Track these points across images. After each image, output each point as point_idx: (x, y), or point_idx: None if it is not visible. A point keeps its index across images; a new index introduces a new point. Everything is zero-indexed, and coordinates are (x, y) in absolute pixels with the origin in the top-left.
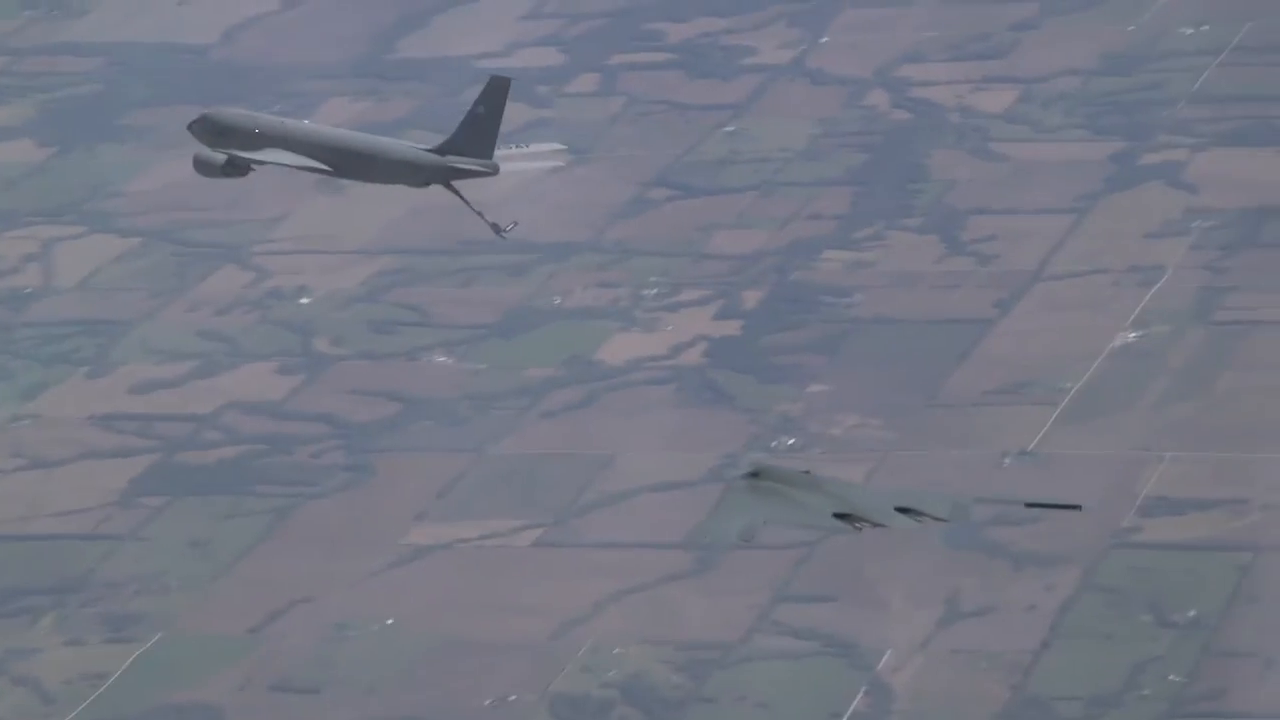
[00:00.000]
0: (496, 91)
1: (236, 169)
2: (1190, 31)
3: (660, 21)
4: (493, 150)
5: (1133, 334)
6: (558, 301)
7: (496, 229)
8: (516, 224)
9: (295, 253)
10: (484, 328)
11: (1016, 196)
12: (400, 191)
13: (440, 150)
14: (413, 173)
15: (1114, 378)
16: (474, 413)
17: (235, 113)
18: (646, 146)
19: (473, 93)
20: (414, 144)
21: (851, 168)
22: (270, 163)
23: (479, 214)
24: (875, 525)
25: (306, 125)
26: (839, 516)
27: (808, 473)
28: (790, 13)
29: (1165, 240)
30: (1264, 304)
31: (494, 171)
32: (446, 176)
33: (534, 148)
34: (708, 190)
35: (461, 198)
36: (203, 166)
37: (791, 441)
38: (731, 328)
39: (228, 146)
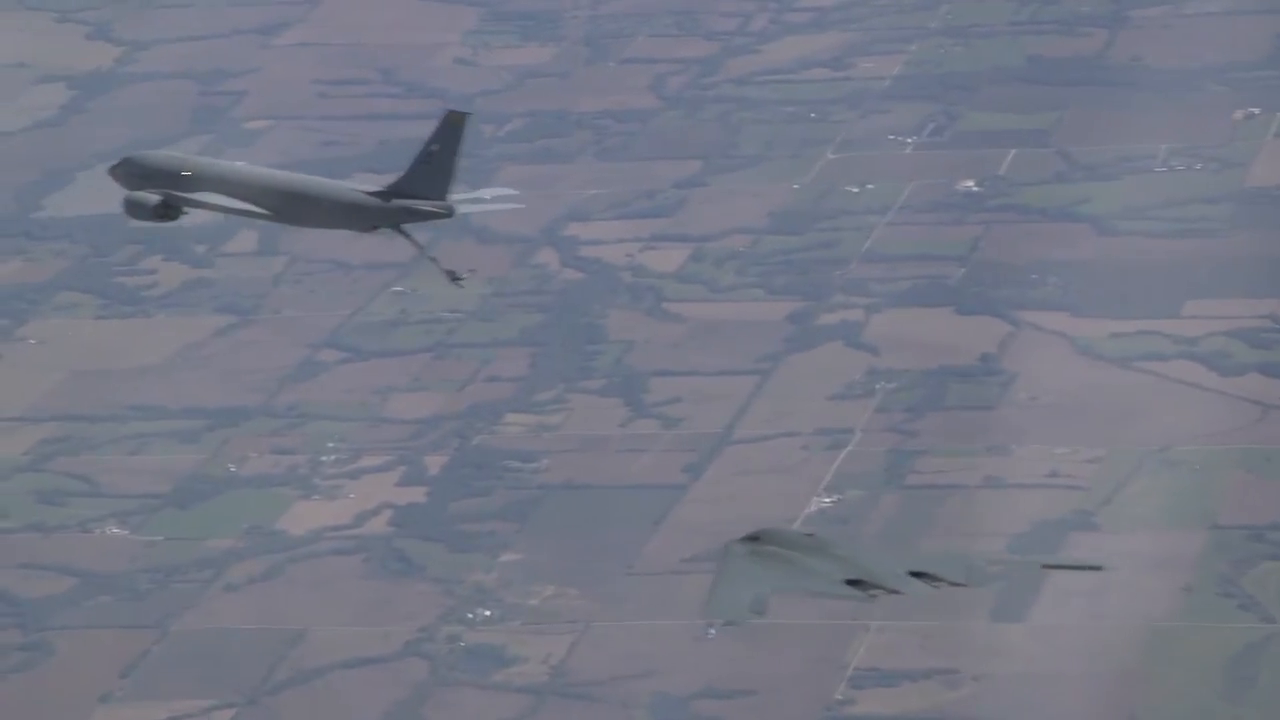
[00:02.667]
0: (452, 127)
1: (170, 212)
2: (856, 190)
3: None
4: (448, 191)
5: (827, 499)
6: (233, 469)
7: (453, 276)
8: (474, 271)
9: None
10: (158, 497)
11: (697, 358)
12: (60, 356)
13: (390, 192)
14: (359, 216)
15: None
16: (154, 586)
17: (162, 155)
18: (313, 307)
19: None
20: (360, 186)
21: (527, 328)
22: (206, 205)
23: (433, 260)
24: (890, 592)
25: (240, 166)
26: (851, 583)
27: (812, 535)
28: None
29: (850, 402)
30: (954, 467)
31: (449, 214)
32: (397, 219)
33: (483, 191)
34: (380, 352)
35: (414, 242)
36: (135, 209)
37: (488, 613)
38: (416, 494)
39: (156, 190)
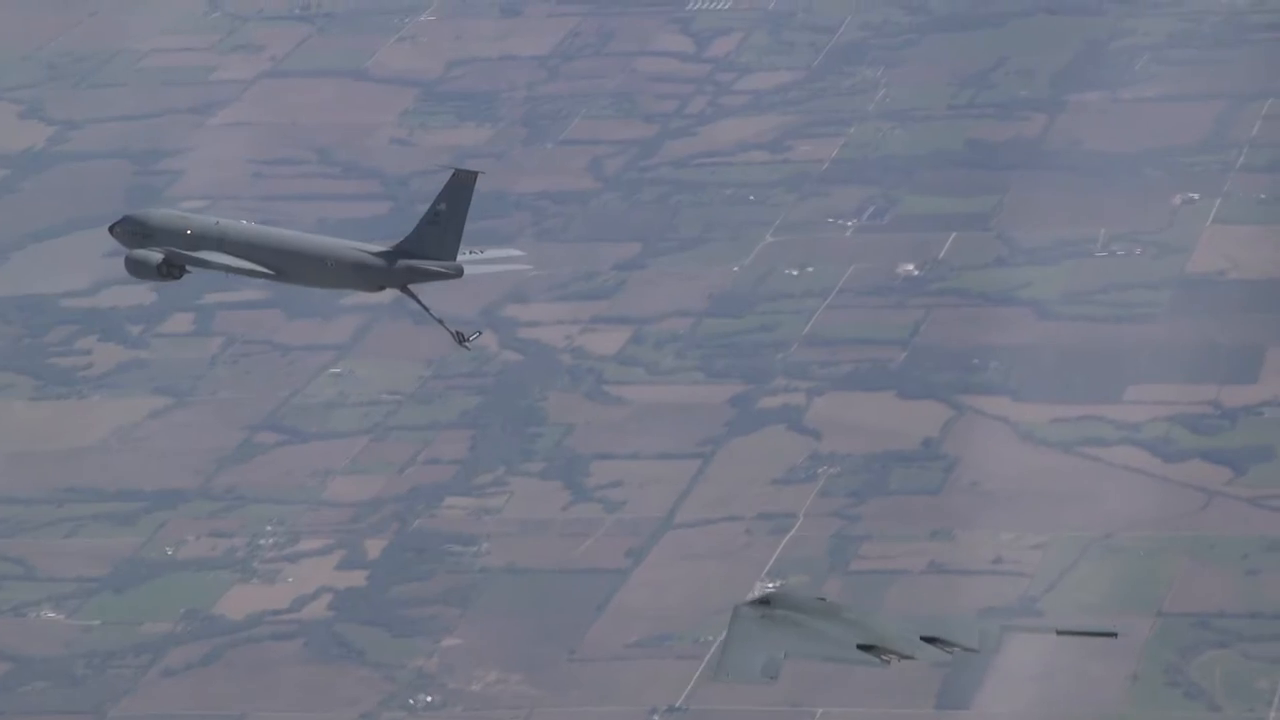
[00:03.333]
0: (460, 186)
1: (173, 271)
2: (795, 273)
3: None
4: (456, 251)
5: (770, 584)
6: (170, 552)
7: (460, 338)
8: (480, 333)
9: None
10: (94, 581)
11: (638, 441)
12: None
13: (396, 251)
14: (365, 276)
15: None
16: (90, 672)
17: (163, 213)
18: (249, 389)
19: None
20: (367, 245)
21: (466, 411)
22: (211, 263)
23: (439, 321)
24: (903, 657)
25: (244, 225)
26: (863, 648)
27: (823, 599)
28: None
29: (793, 487)
30: (898, 552)
31: (458, 274)
32: (404, 280)
33: (490, 253)
34: (318, 435)
35: (421, 304)
36: (137, 267)
37: (430, 699)
38: (356, 578)
39: (158, 248)
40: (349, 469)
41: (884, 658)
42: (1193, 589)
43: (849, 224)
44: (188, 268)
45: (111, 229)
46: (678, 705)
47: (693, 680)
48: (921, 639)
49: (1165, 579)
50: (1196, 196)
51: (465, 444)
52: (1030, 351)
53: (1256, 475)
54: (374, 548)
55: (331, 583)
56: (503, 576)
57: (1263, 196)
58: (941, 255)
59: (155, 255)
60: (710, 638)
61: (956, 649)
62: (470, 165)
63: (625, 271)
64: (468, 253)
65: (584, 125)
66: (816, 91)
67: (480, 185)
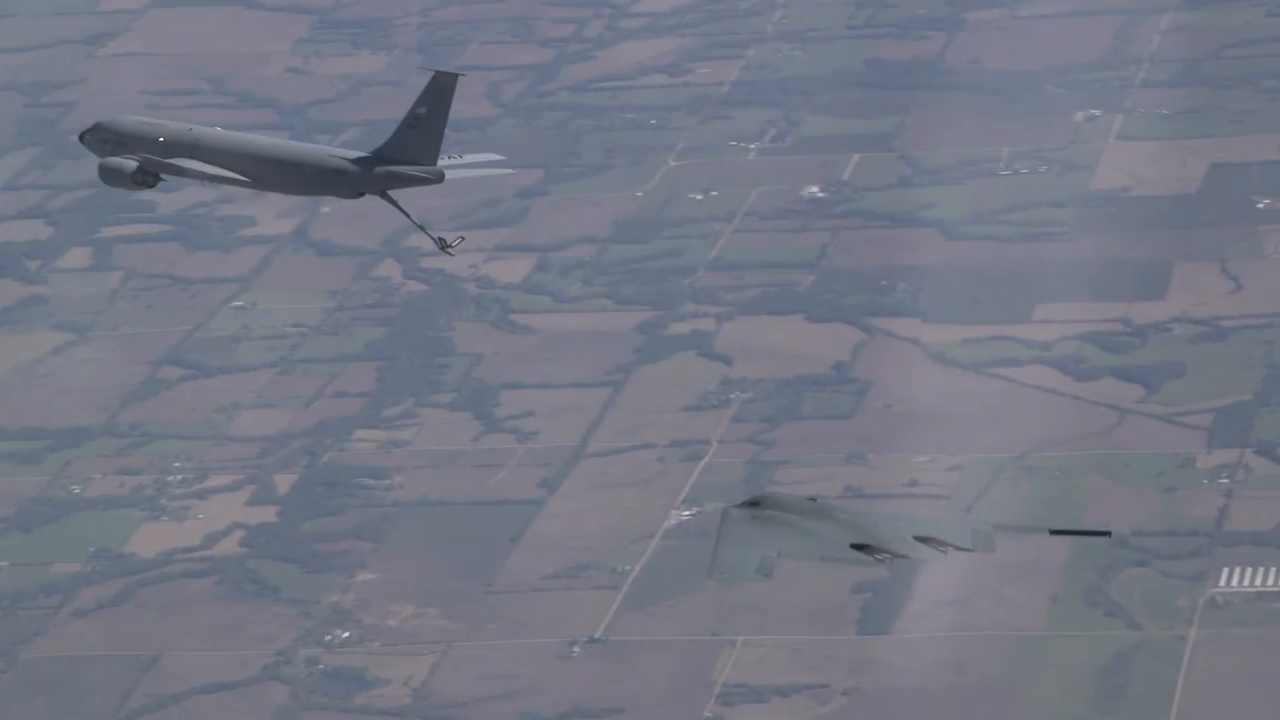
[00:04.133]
0: (441, 89)
1: (147, 179)
2: (700, 197)
3: (149, 191)
4: (437, 155)
5: (686, 512)
6: (77, 491)
7: (442, 244)
8: (464, 239)
9: None
10: (1, 521)
11: (547, 370)
12: None
13: (375, 156)
14: (343, 182)
15: (673, 558)
16: (0, 614)
17: (135, 120)
18: (152, 323)
19: None
20: (344, 150)
21: (372, 343)
22: (185, 170)
23: (421, 228)
24: (897, 556)
25: (218, 131)
26: (857, 547)
27: (814, 500)
28: None
29: (706, 413)
30: (814, 478)
31: (439, 179)
32: (383, 185)
33: (469, 157)
34: (223, 369)
35: (401, 210)
36: (110, 175)
37: (346, 635)
38: (267, 514)
39: (131, 155)
40: (255, 403)
41: (879, 557)
42: (1109, 508)
43: (751, 147)
44: (162, 175)
45: (82, 136)
46: (597, 636)
47: (611, 610)
48: (914, 539)
49: (1081, 499)
50: (1098, 113)
51: (372, 376)
52: (938, 272)
53: (1168, 392)
54: (284, 483)
55: (242, 519)
56: (415, 510)
57: (1164, 112)
58: (845, 177)
59: (129, 163)
60: (628, 567)
61: (949, 548)
62: (367, 94)
63: (528, 199)
64: (446, 158)
65: (480, 51)
66: (713, 14)
67: (378, 113)
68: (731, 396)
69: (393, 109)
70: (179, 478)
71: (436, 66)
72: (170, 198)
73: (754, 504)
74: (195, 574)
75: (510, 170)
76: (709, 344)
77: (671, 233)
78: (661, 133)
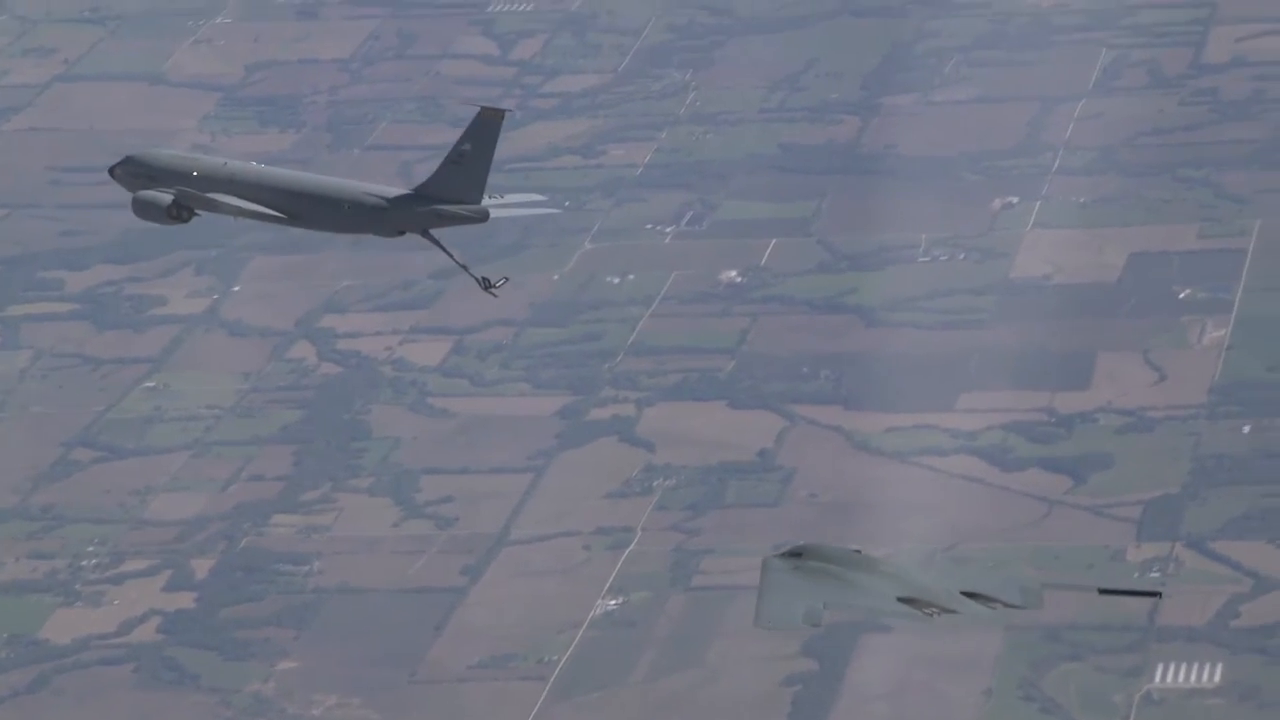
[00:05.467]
0: (486, 125)
1: (182, 213)
2: (617, 281)
3: (56, 269)
4: (481, 194)
5: (612, 601)
6: None
7: (486, 284)
8: (508, 279)
9: None
10: None
11: (467, 455)
12: None
13: (417, 194)
14: (383, 220)
15: (600, 649)
16: None
17: (168, 154)
18: (62, 403)
19: None
20: (384, 188)
21: (288, 425)
22: (222, 205)
23: (464, 267)
24: (945, 611)
25: (253, 166)
26: (904, 601)
27: (858, 551)
28: (196, 260)
29: (629, 500)
30: (741, 567)
31: (483, 218)
32: (425, 223)
33: (511, 198)
34: (136, 450)
35: (443, 249)
36: (145, 209)
37: None
38: (184, 600)
39: (167, 189)
40: (170, 486)
41: (927, 611)
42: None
43: (668, 230)
44: (197, 211)
45: (112, 170)
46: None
47: (539, 702)
48: (963, 594)
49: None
50: (1015, 200)
51: (289, 460)
52: (859, 359)
53: (1096, 484)
54: (201, 568)
55: (159, 605)
56: (336, 597)
57: (1081, 200)
58: (763, 262)
59: (165, 196)
60: (554, 657)
61: (999, 604)
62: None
63: (442, 280)
64: (487, 197)
65: (391, 130)
66: (625, 95)
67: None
68: (655, 484)
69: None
70: (93, 562)
71: (351, 144)
72: (77, 276)
73: (796, 554)
74: (112, 661)
75: (555, 210)
76: (630, 430)
77: (589, 316)
78: (576, 215)
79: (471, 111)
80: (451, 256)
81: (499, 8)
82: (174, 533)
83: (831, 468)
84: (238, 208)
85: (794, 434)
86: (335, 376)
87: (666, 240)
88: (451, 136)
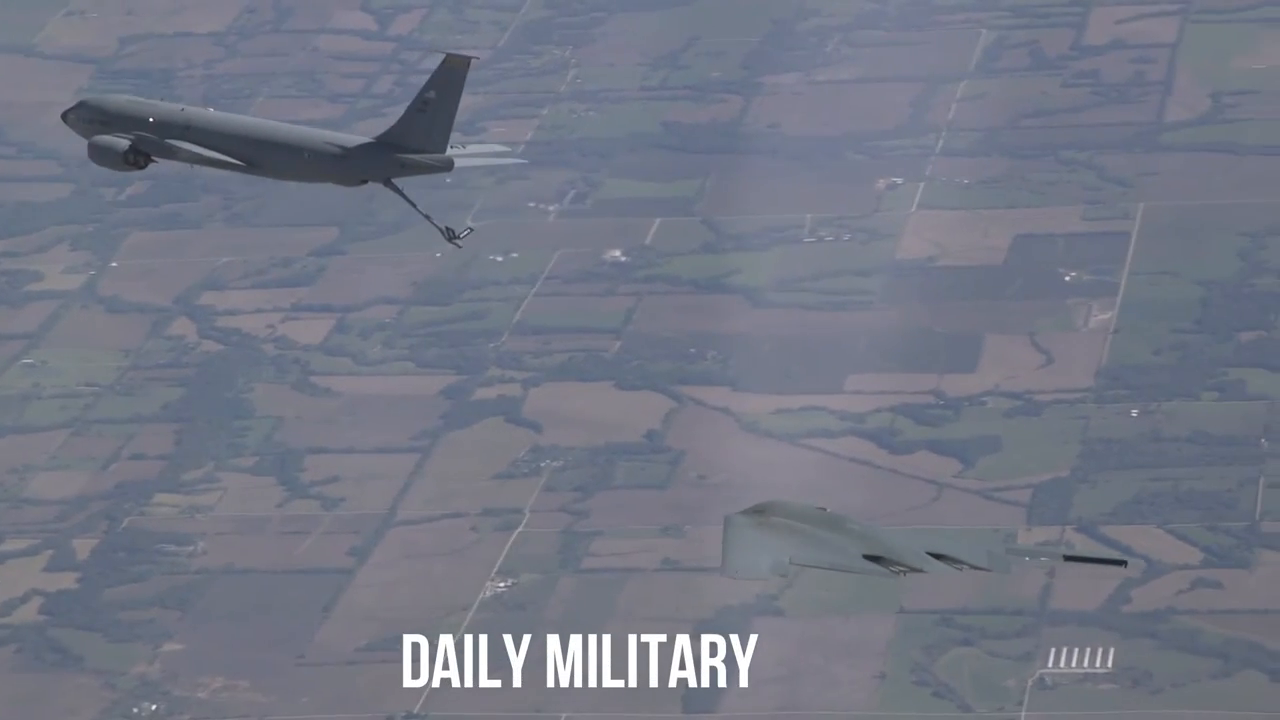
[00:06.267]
0: (451, 73)
1: (139, 159)
2: (500, 259)
3: None
4: (446, 142)
5: (502, 583)
6: None
7: (450, 234)
8: (473, 229)
9: None
10: None
11: (352, 434)
12: None
13: (380, 142)
14: (345, 168)
15: (491, 630)
16: None
17: (124, 99)
18: None
19: None
20: (347, 136)
21: (169, 404)
22: (179, 152)
23: (427, 217)
24: (912, 570)
25: (211, 113)
26: (870, 559)
27: (823, 509)
28: (71, 235)
29: (517, 481)
30: (630, 549)
31: (448, 167)
32: (389, 172)
33: (473, 148)
34: (14, 428)
35: (406, 199)
36: (100, 154)
37: (154, 707)
38: (67, 580)
39: (124, 134)
40: (50, 465)
41: (893, 569)
42: (934, 584)
43: (551, 208)
44: (154, 158)
45: (65, 115)
46: (415, 712)
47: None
48: (929, 554)
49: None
50: (900, 181)
51: (170, 438)
52: (746, 340)
53: (985, 467)
54: (83, 548)
55: (41, 585)
56: (221, 577)
57: (965, 181)
58: (648, 241)
59: (121, 141)
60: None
61: (965, 566)
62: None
63: (324, 257)
64: (450, 147)
65: (267, 105)
66: (505, 72)
67: (165, 167)
68: (542, 465)
69: (178, 164)
70: None
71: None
72: None
73: (760, 511)
74: None
75: (521, 161)
76: (517, 410)
77: (473, 295)
78: (457, 192)
79: (436, 59)
80: (415, 206)
81: None
82: (54, 512)
83: (720, 449)
84: (196, 154)
85: (682, 415)
86: (216, 354)
87: (550, 219)
88: (330, 112)
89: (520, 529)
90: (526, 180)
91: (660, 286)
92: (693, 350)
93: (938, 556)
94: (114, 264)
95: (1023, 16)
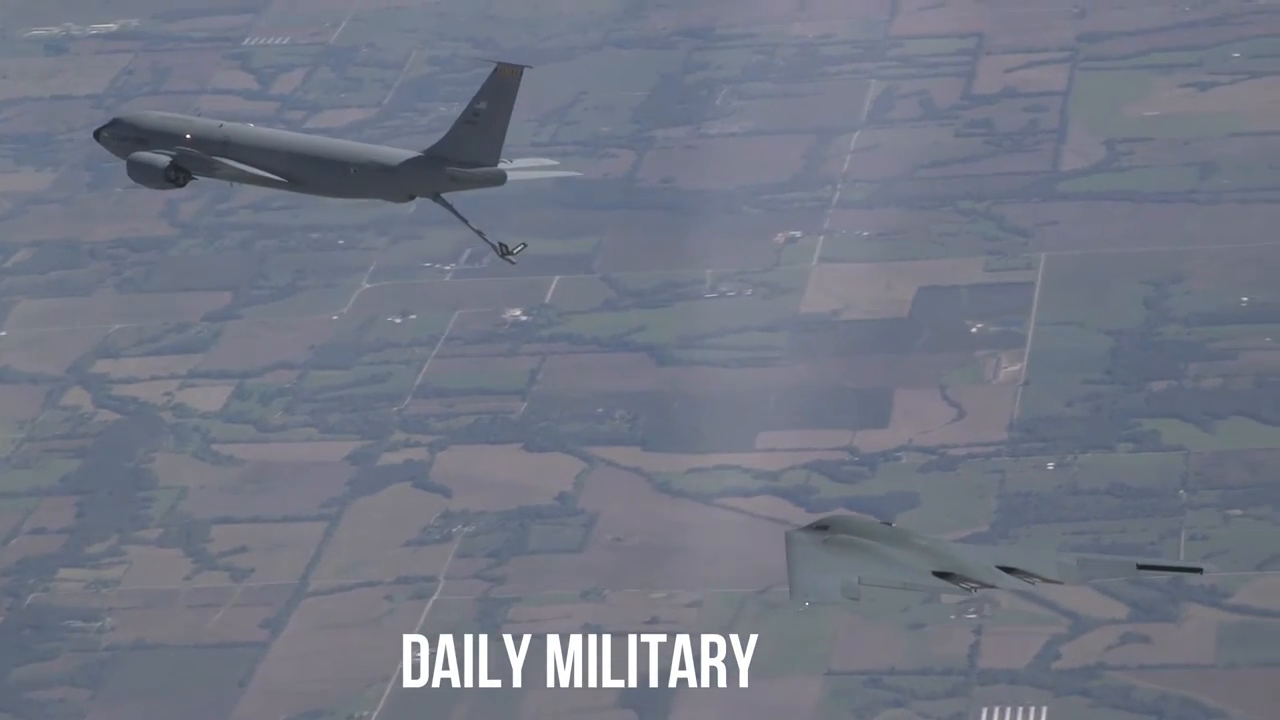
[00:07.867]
0: (503, 83)
1: (179, 176)
2: (399, 321)
3: None
4: (498, 155)
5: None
6: None
7: (504, 250)
8: (526, 245)
9: None
10: None
11: (257, 503)
12: None
13: (430, 156)
14: (394, 183)
15: (411, 703)
16: None
17: (159, 115)
18: None
19: None
20: (393, 149)
21: (68, 475)
22: (222, 168)
23: (479, 233)
24: (983, 586)
25: (251, 129)
26: (940, 575)
27: (888, 524)
28: None
29: (429, 547)
30: (550, 615)
31: (500, 181)
32: (439, 187)
33: (521, 162)
34: None
35: (458, 215)
36: (140, 171)
37: None
38: None
39: (165, 151)
40: None
41: (964, 585)
42: (858, 645)
43: (447, 268)
44: (195, 175)
45: (97, 134)
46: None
47: None
48: (999, 569)
49: (828, 635)
50: (799, 234)
51: (71, 511)
52: (653, 398)
53: (904, 523)
54: None
55: None
56: (132, 654)
57: (864, 233)
58: (547, 299)
59: (162, 158)
60: (365, 712)
61: (1036, 580)
62: (36, 213)
63: (219, 322)
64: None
65: None
66: (392, 130)
67: (49, 233)
68: (454, 530)
69: (63, 229)
70: None
71: (113, 183)
72: None
73: (822, 528)
74: None
75: (574, 174)
76: (424, 475)
77: (373, 358)
78: (351, 253)
79: (488, 69)
80: (467, 223)
81: (255, 41)
82: None
83: (634, 510)
84: (239, 171)
85: (593, 476)
86: (114, 424)
87: (447, 278)
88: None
89: (436, 596)
90: (420, 240)
91: (563, 345)
92: (600, 410)
93: (1008, 570)
94: (3, 333)
95: (911, 66)
